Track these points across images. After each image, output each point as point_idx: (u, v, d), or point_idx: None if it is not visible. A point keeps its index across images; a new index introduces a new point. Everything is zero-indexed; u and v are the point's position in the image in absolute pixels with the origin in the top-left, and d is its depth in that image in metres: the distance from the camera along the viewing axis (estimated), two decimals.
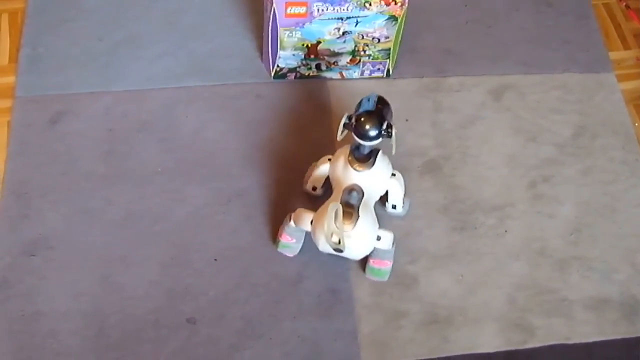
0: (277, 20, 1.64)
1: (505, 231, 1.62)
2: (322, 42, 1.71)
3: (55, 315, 1.47)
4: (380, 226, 1.50)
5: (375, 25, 1.68)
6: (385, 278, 1.54)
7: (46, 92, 1.75)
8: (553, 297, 1.55)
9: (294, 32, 1.67)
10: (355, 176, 1.47)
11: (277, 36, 1.68)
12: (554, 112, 1.80)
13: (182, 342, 1.45)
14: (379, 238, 1.47)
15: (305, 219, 1.48)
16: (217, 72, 1.80)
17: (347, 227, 1.41)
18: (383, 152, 1.50)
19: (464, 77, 1.84)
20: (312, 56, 1.74)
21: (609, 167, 1.73)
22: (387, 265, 1.53)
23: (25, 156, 1.65)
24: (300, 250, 1.55)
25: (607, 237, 1.63)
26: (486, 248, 1.60)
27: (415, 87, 1.82)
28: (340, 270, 1.53)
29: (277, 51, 1.72)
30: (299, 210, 1.50)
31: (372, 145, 1.45)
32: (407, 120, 1.75)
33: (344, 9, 1.63)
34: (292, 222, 1.51)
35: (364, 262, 1.53)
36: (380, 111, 1.44)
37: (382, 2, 1.64)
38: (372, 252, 1.50)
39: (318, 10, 1.62)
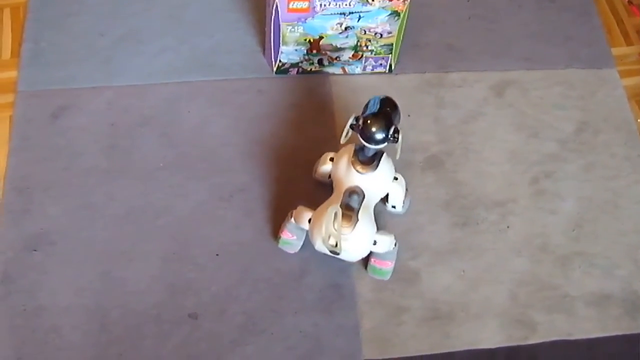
0: (280, 15, 1.64)
1: (507, 227, 1.62)
2: (325, 37, 1.70)
3: (57, 310, 1.47)
4: (383, 223, 1.50)
5: (378, 21, 1.68)
6: (387, 277, 1.54)
7: (48, 86, 1.75)
8: (555, 293, 1.55)
9: (296, 27, 1.67)
10: (357, 178, 1.47)
11: (280, 31, 1.68)
12: (556, 108, 1.80)
13: (184, 337, 1.46)
14: (375, 242, 1.47)
15: (304, 217, 1.48)
16: (219, 67, 1.80)
17: (346, 230, 1.41)
18: (387, 155, 1.49)
19: (466, 72, 1.84)
20: (314, 51, 1.74)
21: (611, 163, 1.73)
22: (388, 265, 1.53)
23: (27, 151, 1.65)
24: (301, 247, 1.54)
25: (609, 233, 1.63)
26: (488, 244, 1.60)
27: (418, 83, 1.82)
28: (342, 266, 1.53)
29: (279, 46, 1.72)
30: (299, 207, 1.50)
31: (377, 149, 1.44)
32: (409, 115, 1.75)
33: (346, 4, 1.63)
34: (292, 219, 1.51)
35: (366, 259, 1.53)
36: (388, 114, 1.43)
37: None
38: (373, 252, 1.50)
39: (320, 5, 1.62)
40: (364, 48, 1.74)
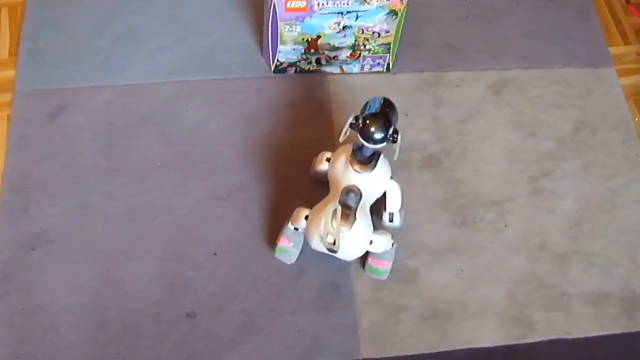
0: (277, 15, 1.64)
1: (505, 226, 1.63)
2: (322, 37, 1.71)
3: (56, 309, 1.47)
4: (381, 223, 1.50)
5: (376, 20, 1.68)
6: (384, 277, 1.54)
7: (46, 86, 1.75)
8: (553, 292, 1.55)
9: (294, 26, 1.67)
10: (354, 177, 1.46)
11: (277, 30, 1.68)
12: (554, 106, 1.80)
13: (182, 336, 1.46)
14: (371, 242, 1.47)
15: (301, 215, 1.48)
16: (217, 67, 1.80)
17: (343, 228, 1.41)
18: (384, 156, 1.49)
19: (464, 71, 1.84)
20: (312, 50, 1.74)
21: (609, 162, 1.73)
22: (385, 265, 1.53)
23: (25, 150, 1.65)
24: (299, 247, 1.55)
25: (607, 232, 1.63)
26: (486, 243, 1.60)
27: (416, 82, 1.82)
28: (340, 265, 1.53)
29: (277, 45, 1.72)
30: (296, 209, 1.50)
31: (376, 149, 1.44)
32: (407, 114, 1.75)
33: (344, 3, 1.63)
34: (290, 225, 1.50)
35: (363, 258, 1.53)
36: (387, 115, 1.43)
37: None
38: (370, 251, 1.50)
39: (318, 4, 1.62)
40: (362, 47, 1.75)
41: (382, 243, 1.48)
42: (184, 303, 1.49)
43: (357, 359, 1.45)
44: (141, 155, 1.66)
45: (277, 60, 1.76)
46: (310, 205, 1.48)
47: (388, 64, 1.81)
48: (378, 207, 1.55)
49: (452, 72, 1.84)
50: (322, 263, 1.52)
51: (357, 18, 1.66)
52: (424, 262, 1.57)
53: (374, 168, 1.46)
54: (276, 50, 1.73)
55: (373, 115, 1.42)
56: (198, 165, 1.65)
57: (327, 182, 1.55)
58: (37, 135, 1.67)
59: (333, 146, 1.60)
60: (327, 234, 1.39)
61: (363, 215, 1.44)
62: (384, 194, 1.53)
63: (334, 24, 1.67)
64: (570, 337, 1.51)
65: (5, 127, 1.68)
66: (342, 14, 1.65)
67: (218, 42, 1.84)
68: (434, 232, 1.61)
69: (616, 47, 1.93)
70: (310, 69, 1.79)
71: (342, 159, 1.49)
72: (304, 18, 1.65)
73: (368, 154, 1.45)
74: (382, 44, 1.75)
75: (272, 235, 1.56)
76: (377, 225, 1.57)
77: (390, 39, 1.74)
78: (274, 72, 1.79)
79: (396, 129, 1.42)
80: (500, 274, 1.56)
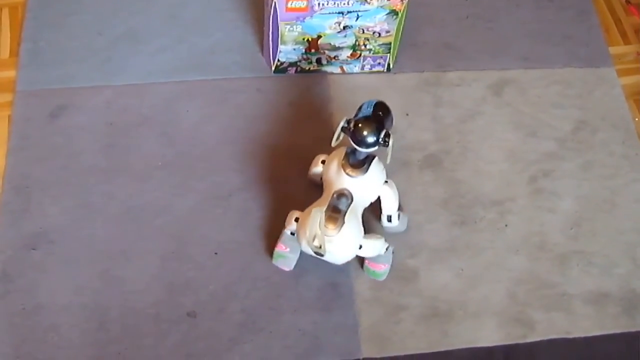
0: (278, 14, 1.64)
1: (506, 225, 1.63)
2: (323, 37, 1.71)
3: (56, 309, 1.47)
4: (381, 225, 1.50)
5: (376, 20, 1.68)
6: (382, 279, 1.53)
7: (47, 86, 1.75)
8: (553, 292, 1.55)
9: (294, 26, 1.67)
10: (347, 181, 1.46)
11: (278, 30, 1.68)
12: (554, 106, 1.80)
13: (183, 335, 1.46)
14: (360, 247, 1.46)
15: (292, 217, 1.48)
16: (218, 67, 1.80)
17: (332, 232, 1.40)
18: (379, 159, 1.49)
19: (464, 71, 1.84)
20: (312, 50, 1.74)
21: (609, 161, 1.73)
22: (381, 268, 1.52)
23: (26, 150, 1.65)
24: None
25: (607, 232, 1.63)
26: (486, 242, 1.60)
27: (416, 82, 1.82)
28: (341, 265, 1.53)
29: (277, 45, 1.72)
30: (290, 212, 1.50)
31: (368, 152, 1.44)
32: (407, 114, 1.75)
33: (344, 3, 1.63)
34: (286, 230, 1.50)
35: (362, 259, 1.53)
36: (379, 118, 1.42)
37: None
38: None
39: (319, 4, 1.62)
40: (362, 47, 1.75)
41: (372, 248, 1.48)
42: (185, 303, 1.49)
43: (357, 359, 1.45)
44: (141, 155, 1.66)
45: (278, 60, 1.76)
46: (308, 205, 1.48)
47: (388, 64, 1.81)
48: (377, 209, 1.55)
49: (452, 72, 1.84)
50: (322, 263, 1.52)
51: (357, 18, 1.67)
52: (424, 261, 1.57)
53: (366, 172, 1.46)
54: (277, 50, 1.73)
55: (365, 119, 1.42)
56: (198, 165, 1.65)
57: (321, 185, 1.55)
58: (37, 135, 1.67)
59: (332, 147, 1.60)
60: (314, 237, 1.39)
61: (353, 219, 1.44)
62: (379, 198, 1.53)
63: (335, 23, 1.67)
64: (570, 336, 1.51)
65: (6, 127, 1.69)
66: (342, 13, 1.65)
67: (218, 42, 1.84)
68: (434, 231, 1.61)
69: (616, 47, 1.94)
70: (311, 68, 1.79)
71: (335, 162, 1.49)
72: (304, 18, 1.65)
73: (361, 157, 1.45)
74: (382, 44, 1.75)
75: (272, 235, 1.56)
76: (377, 227, 1.57)
77: (391, 39, 1.74)
78: (274, 72, 1.80)
79: (388, 133, 1.41)
80: (500, 274, 1.57)
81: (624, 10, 2.02)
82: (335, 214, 1.41)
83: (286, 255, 1.52)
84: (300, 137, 1.71)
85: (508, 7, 1.97)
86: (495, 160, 1.71)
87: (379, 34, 1.72)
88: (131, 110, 1.72)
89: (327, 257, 1.44)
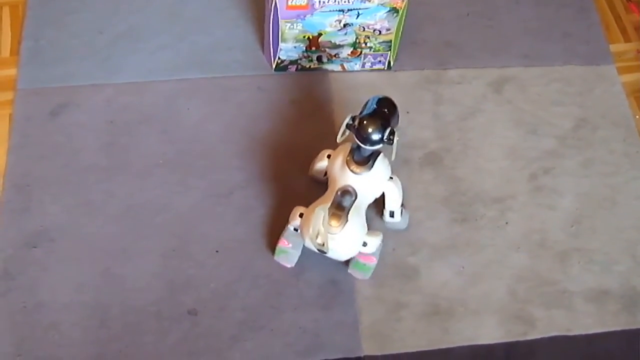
0: (279, 12, 1.64)
1: (506, 223, 1.63)
2: (324, 34, 1.71)
3: (57, 307, 1.47)
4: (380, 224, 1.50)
5: (377, 18, 1.68)
6: (368, 275, 1.53)
7: (47, 84, 1.75)
8: (553, 289, 1.55)
9: (295, 24, 1.67)
10: (351, 178, 1.46)
11: (279, 28, 1.68)
12: (555, 104, 1.80)
13: (184, 333, 1.46)
14: (365, 244, 1.46)
15: (296, 213, 1.48)
16: (218, 65, 1.80)
17: (335, 229, 1.41)
18: (384, 156, 1.49)
19: (464, 69, 1.84)
20: (313, 48, 1.74)
21: (610, 159, 1.73)
22: (373, 261, 1.52)
23: (27, 148, 1.65)
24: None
25: (608, 229, 1.63)
26: (487, 240, 1.60)
27: (416, 80, 1.82)
28: (341, 262, 1.53)
29: (278, 43, 1.72)
30: (295, 207, 1.50)
31: (373, 150, 1.44)
32: (407, 112, 1.75)
33: (345, 1, 1.63)
34: (289, 226, 1.51)
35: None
36: (385, 115, 1.42)
37: None
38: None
39: (319, 2, 1.62)
40: (363, 45, 1.75)
41: (375, 244, 1.48)
42: (185, 301, 1.49)
43: (358, 356, 1.45)
44: (142, 153, 1.66)
45: (278, 58, 1.76)
46: (310, 202, 1.48)
47: (389, 62, 1.81)
48: (379, 204, 1.55)
49: (452, 70, 1.84)
50: (323, 260, 1.52)
51: (358, 16, 1.67)
52: (424, 259, 1.57)
53: (370, 169, 1.46)
54: (277, 48, 1.73)
55: (370, 116, 1.41)
56: (199, 163, 1.66)
57: (323, 182, 1.56)
58: (38, 133, 1.67)
59: (334, 144, 1.59)
60: (317, 235, 1.39)
61: (356, 217, 1.44)
62: (384, 193, 1.53)
63: (335, 21, 1.67)
64: (571, 334, 1.51)
65: (7, 126, 1.69)
66: (343, 11, 1.65)
67: (219, 40, 1.84)
68: (435, 229, 1.61)
69: (616, 45, 1.94)
70: (312, 66, 1.80)
71: (340, 158, 1.49)
72: (305, 16, 1.65)
73: (366, 154, 1.45)
74: (383, 42, 1.75)
75: (273, 233, 1.56)
76: (377, 222, 1.57)
77: (391, 37, 1.74)
78: (275, 70, 1.80)
79: (393, 130, 1.41)
80: (501, 271, 1.57)
81: (624, 7, 2.02)
82: (339, 211, 1.42)
83: (288, 251, 1.52)
84: (301, 134, 1.71)
85: (508, 5, 1.97)
86: (496, 158, 1.71)
87: (380, 31, 1.72)
88: (132, 108, 1.72)
89: (330, 254, 1.44)
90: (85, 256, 1.53)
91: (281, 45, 1.72)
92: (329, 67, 1.80)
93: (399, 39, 1.76)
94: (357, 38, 1.73)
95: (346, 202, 1.43)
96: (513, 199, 1.66)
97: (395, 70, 1.83)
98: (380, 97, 1.45)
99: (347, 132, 1.44)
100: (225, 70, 1.80)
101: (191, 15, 1.88)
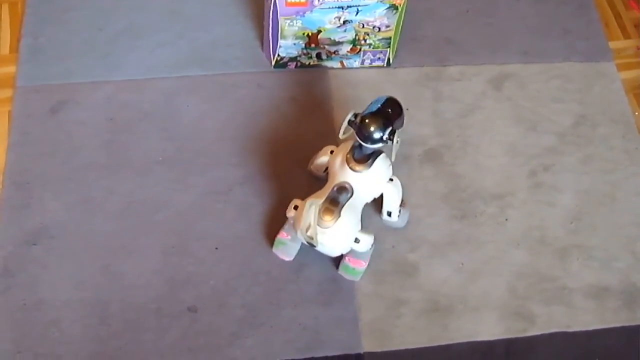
0: (278, 9, 1.64)
1: (506, 220, 1.63)
2: (323, 31, 1.71)
3: (57, 304, 1.47)
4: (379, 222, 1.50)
5: (376, 14, 1.68)
6: (358, 278, 1.53)
7: (47, 81, 1.75)
8: (553, 285, 1.55)
9: (294, 21, 1.67)
10: (350, 175, 1.46)
11: (278, 25, 1.68)
12: (554, 101, 1.80)
13: (184, 330, 1.46)
14: (357, 240, 1.46)
15: (292, 205, 1.48)
16: (218, 62, 1.80)
17: (327, 223, 1.41)
18: (385, 156, 1.49)
19: (464, 66, 1.84)
20: (312, 45, 1.74)
21: (609, 156, 1.73)
22: (362, 265, 1.52)
23: (26, 146, 1.65)
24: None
25: (607, 226, 1.64)
26: (487, 236, 1.60)
27: (416, 76, 1.82)
28: (341, 259, 1.53)
29: (277, 40, 1.72)
30: (293, 201, 1.50)
31: (373, 148, 1.44)
32: (407, 109, 1.74)
33: None
34: (289, 217, 1.51)
35: (339, 257, 1.52)
36: (387, 115, 1.42)
37: None
38: (350, 250, 1.50)
39: None
40: (362, 42, 1.75)
41: (368, 242, 1.48)
42: (185, 297, 1.49)
43: (358, 353, 1.46)
44: (142, 150, 1.66)
45: (278, 55, 1.76)
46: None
47: (388, 59, 1.81)
48: (379, 202, 1.55)
49: (452, 67, 1.84)
50: (323, 257, 1.52)
51: (357, 12, 1.67)
52: (424, 256, 1.57)
53: (369, 167, 1.46)
54: (277, 45, 1.73)
55: (372, 115, 1.41)
56: (199, 160, 1.66)
57: (322, 178, 1.56)
58: (38, 131, 1.67)
59: (333, 141, 1.60)
60: (308, 228, 1.39)
61: (350, 213, 1.44)
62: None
63: (335, 18, 1.67)
64: (570, 330, 1.51)
65: (7, 123, 1.69)
66: (342, 8, 1.65)
67: (218, 37, 1.84)
68: (435, 226, 1.61)
69: (616, 42, 1.94)
70: (311, 63, 1.80)
71: (341, 155, 1.49)
72: (304, 13, 1.65)
73: (366, 152, 1.45)
74: (382, 39, 1.75)
75: (273, 230, 1.56)
76: (375, 220, 1.57)
77: (391, 34, 1.74)
78: (274, 67, 1.80)
79: (394, 130, 1.41)
80: (500, 268, 1.57)
81: (623, 4, 2.02)
82: (333, 206, 1.42)
83: (287, 243, 1.53)
84: (300, 131, 1.71)
85: (508, 2, 1.97)
86: (496, 155, 1.71)
87: (379, 28, 1.72)
88: (131, 105, 1.72)
89: (320, 248, 1.44)
90: (85, 253, 1.53)
91: (281, 42, 1.72)
92: (329, 64, 1.80)
93: (398, 35, 1.76)
94: (356, 35, 1.73)
95: (340, 198, 1.43)
96: (513, 196, 1.66)
97: (395, 67, 1.83)
98: (387, 97, 1.44)
99: (351, 130, 1.43)
100: (225, 68, 1.80)
101: (191, 12, 1.88)
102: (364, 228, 1.48)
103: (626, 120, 1.79)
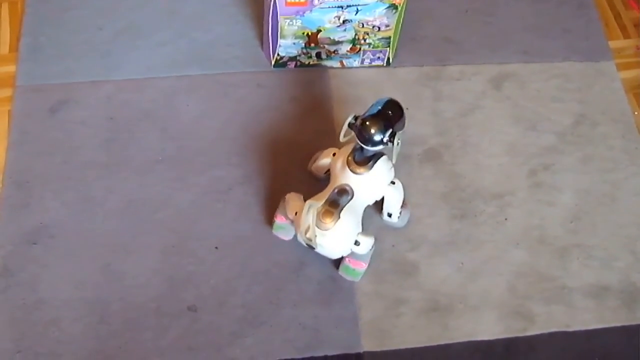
0: (278, 9, 1.64)
1: (506, 219, 1.63)
2: (323, 31, 1.71)
3: (57, 303, 1.47)
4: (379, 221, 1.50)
5: (376, 14, 1.68)
6: (358, 279, 1.53)
7: (47, 81, 1.75)
8: (553, 285, 1.55)
9: (294, 21, 1.67)
10: (351, 177, 1.46)
11: (278, 25, 1.68)
12: (554, 100, 1.80)
13: (183, 329, 1.46)
14: (357, 243, 1.46)
15: (292, 208, 1.48)
16: (218, 61, 1.80)
17: (326, 225, 1.41)
18: (387, 159, 1.49)
19: (464, 65, 1.84)
20: (312, 45, 1.74)
21: (609, 155, 1.73)
22: (362, 266, 1.51)
23: (26, 145, 1.65)
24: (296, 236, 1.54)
25: (607, 225, 1.64)
26: (486, 236, 1.60)
27: (416, 76, 1.82)
28: (341, 258, 1.53)
29: (277, 40, 1.72)
30: (291, 195, 1.50)
31: (374, 151, 1.43)
32: (407, 108, 1.73)
33: None
34: (284, 203, 1.51)
35: (338, 259, 1.53)
36: (388, 117, 1.41)
37: None
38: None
39: None
40: (362, 41, 1.75)
41: (368, 244, 1.48)
42: (185, 297, 1.49)
43: (357, 352, 1.46)
44: (142, 149, 1.66)
45: (278, 55, 1.76)
46: (310, 196, 1.48)
47: (388, 58, 1.81)
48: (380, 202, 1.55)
49: (452, 66, 1.84)
50: (323, 256, 1.52)
51: (357, 12, 1.67)
52: (424, 255, 1.57)
53: (370, 170, 1.46)
54: (276, 44, 1.73)
55: (372, 117, 1.41)
56: (198, 159, 1.66)
57: (321, 179, 1.57)
58: (37, 130, 1.67)
59: (333, 140, 1.60)
60: (307, 230, 1.39)
61: (350, 216, 1.44)
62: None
63: (334, 18, 1.67)
64: (570, 329, 1.51)
65: (6, 122, 1.69)
66: (342, 7, 1.65)
67: (218, 36, 1.84)
68: (435, 225, 1.61)
69: (616, 41, 1.94)
70: (311, 63, 1.80)
71: (342, 157, 1.49)
72: (304, 12, 1.65)
73: (367, 155, 1.45)
74: (382, 38, 1.75)
75: (270, 224, 1.56)
76: (375, 220, 1.57)
77: (390, 33, 1.74)
78: (274, 66, 1.80)
79: (394, 132, 1.41)
80: (500, 267, 1.57)
81: (623, 4, 2.02)
82: (332, 208, 1.42)
83: (285, 226, 1.53)
84: (300, 131, 1.71)
85: (507, 1, 1.97)
86: (495, 154, 1.71)
87: (379, 28, 1.72)
88: (131, 104, 1.72)
89: (320, 250, 1.45)
90: (85, 252, 1.53)
91: (280, 41, 1.72)
92: (328, 63, 1.80)
93: (398, 35, 1.76)
94: (356, 34, 1.73)
95: (341, 200, 1.43)
96: (512, 195, 1.66)
97: (395, 67, 1.83)
98: (388, 99, 1.44)
99: (352, 133, 1.43)
100: (225, 67, 1.80)
101: (190, 11, 1.88)
102: (364, 229, 1.48)
103: (626, 119, 1.79)
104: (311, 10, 1.65)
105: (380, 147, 1.42)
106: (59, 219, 1.56)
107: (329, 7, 1.65)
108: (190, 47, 1.82)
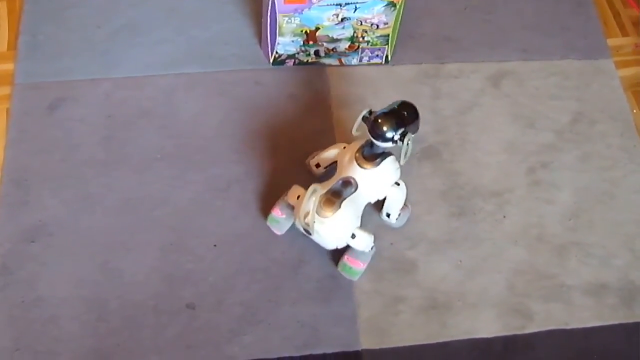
0: (276, 7, 1.64)
1: (504, 217, 1.63)
2: (321, 29, 1.71)
3: (55, 301, 1.47)
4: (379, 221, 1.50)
5: (374, 12, 1.68)
6: (355, 278, 1.53)
7: (45, 78, 1.75)
8: (551, 283, 1.56)
9: (292, 18, 1.67)
10: (357, 171, 1.46)
11: (276, 22, 1.68)
12: (553, 98, 1.80)
13: (182, 327, 1.46)
14: (354, 236, 1.46)
15: (294, 193, 1.49)
16: (216, 59, 1.80)
17: (326, 213, 1.41)
18: (395, 159, 1.49)
19: (462, 63, 1.84)
20: (310, 42, 1.74)
21: (607, 153, 1.73)
22: (360, 266, 1.52)
23: (25, 143, 1.65)
24: (294, 233, 1.54)
25: (606, 223, 1.64)
26: (485, 234, 1.60)
27: (414, 74, 1.82)
28: (340, 255, 1.53)
29: (275, 37, 1.72)
30: (294, 186, 1.50)
31: (385, 148, 1.44)
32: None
33: None
34: (286, 197, 1.51)
35: (339, 256, 1.52)
36: (402, 116, 1.41)
37: None
38: (349, 249, 1.50)
39: None
40: (361, 39, 1.75)
41: (364, 241, 1.48)
42: (184, 294, 1.49)
43: (356, 350, 1.46)
44: (140, 147, 1.66)
45: (276, 53, 1.76)
46: None
47: (387, 56, 1.81)
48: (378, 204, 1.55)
49: (450, 64, 1.84)
50: (321, 254, 1.52)
51: (355, 10, 1.67)
52: (423, 253, 1.57)
53: (377, 166, 1.46)
54: (275, 42, 1.73)
55: (385, 114, 1.41)
56: (197, 157, 1.66)
57: (318, 175, 1.59)
58: (36, 128, 1.67)
59: (332, 138, 1.60)
60: (306, 215, 1.40)
61: (350, 208, 1.44)
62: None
63: (333, 15, 1.67)
64: (568, 327, 1.51)
65: (5, 120, 1.69)
66: (340, 5, 1.65)
67: (217, 34, 1.84)
68: (433, 223, 1.61)
69: (614, 39, 1.94)
70: (309, 61, 1.79)
71: (351, 150, 1.49)
72: (302, 10, 1.65)
73: (376, 151, 1.45)
74: (380, 36, 1.75)
75: (265, 217, 1.56)
76: (374, 219, 1.57)
77: (389, 31, 1.74)
78: (272, 64, 1.79)
79: (405, 132, 1.41)
80: (499, 265, 1.57)
81: (621, 2, 2.02)
82: (334, 197, 1.42)
83: (280, 221, 1.54)
84: (298, 128, 1.71)
85: None
86: (494, 152, 1.71)
87: (377, 25, 1.72)
88: (130, 102, 1.72)
89: (316, 238, 1.45)
90: (83, 250, 1.53)
91: (279, 39, 1.72)
92: (327, 61, 1.80)
93: (396, 33, 1.76)
94: (354, 32, 1.73)
95: (344, 191, 1.43)
96: (511, 193, 1.66)
97: (393, 65, 1.83)
98: (405, 100, 1.45)
99: (363, 128, 1.43)
100: (223, 65, 1.79)
101: (189, 9, 1.88)
102: (363, 226, 1.48)
103: (624, 117, 1.79)
104: (310, 8, 1.65)
105: (390, 145, 1.42)
106: (57, 217, 1.56)
107: (328, 5, 1.64)
108: (188, 45, 1.82)
